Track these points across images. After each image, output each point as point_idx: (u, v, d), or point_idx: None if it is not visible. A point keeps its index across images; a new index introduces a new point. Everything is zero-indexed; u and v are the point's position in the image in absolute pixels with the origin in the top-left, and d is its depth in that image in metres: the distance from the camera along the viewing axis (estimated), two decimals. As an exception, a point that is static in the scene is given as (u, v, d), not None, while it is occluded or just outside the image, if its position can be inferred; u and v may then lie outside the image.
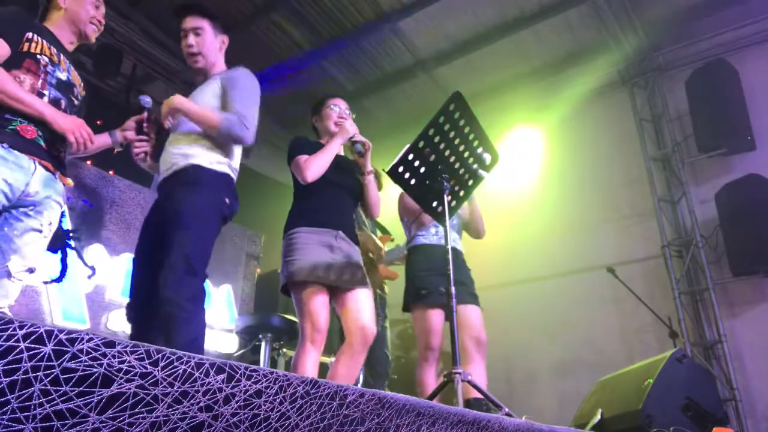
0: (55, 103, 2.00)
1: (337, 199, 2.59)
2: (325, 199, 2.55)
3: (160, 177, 2.24)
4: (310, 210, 2.52)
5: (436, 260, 2.85)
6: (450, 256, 2.29)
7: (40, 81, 1.96)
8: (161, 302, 1.88)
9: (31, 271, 1.94)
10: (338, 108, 2.74)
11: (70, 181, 2.12)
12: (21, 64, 1.92)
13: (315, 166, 2.46)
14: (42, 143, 1.95)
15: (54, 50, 2.03)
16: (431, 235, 3.06)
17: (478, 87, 5.82)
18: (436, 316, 2.85)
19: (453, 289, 2.20)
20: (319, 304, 2.35)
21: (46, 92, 1.97)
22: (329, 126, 2.70)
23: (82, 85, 2.18)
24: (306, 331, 2.34)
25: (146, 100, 2.30)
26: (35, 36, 1.97)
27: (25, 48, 1.94)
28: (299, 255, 2.37)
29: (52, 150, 1.99)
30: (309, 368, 2.29)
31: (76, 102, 2.12)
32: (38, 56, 1.95)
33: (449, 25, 5.39)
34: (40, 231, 1.96)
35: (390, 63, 5.89)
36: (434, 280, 2.84)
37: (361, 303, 2.42)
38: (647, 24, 5.34)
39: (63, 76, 2.05)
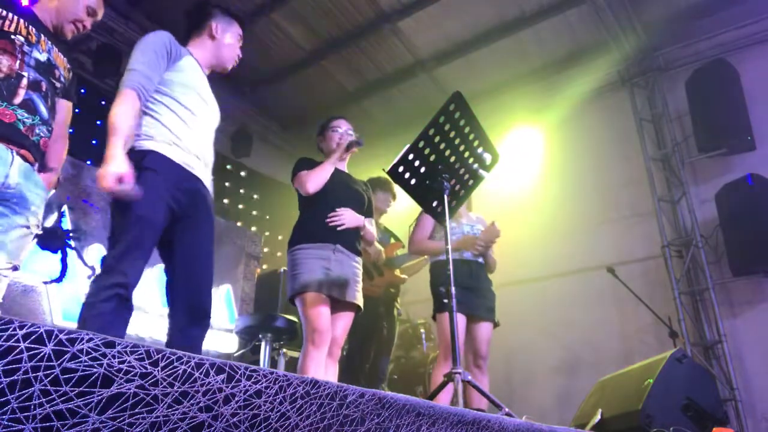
0: (35, 85, 1.83)
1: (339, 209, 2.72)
2: (327, 210, 2.68)
3: (191, 158, 2.02)
4: (311, 223, 2.69)
5: (456, 272, 2.99)
6: (450, 256, 2.37)
7: (18, 62, 1.79)
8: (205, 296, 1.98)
9: (15, 268, 1.81)
10: (340, 129, 2.90)
11: (53, 183, 1.99)
12: None
13: (315, 178, 2.67)
14: (22, 128, 1.77)
15: (33, 29, 1.87)
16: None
17: (478, 87, 5.82)
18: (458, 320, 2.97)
19: (453, 289, 2.32)
20: (316, 308, 2.48)
21: (25, 74, 1.81)
22: (332, 146, 2.86)
23: (68, 67, 2.03)
24: (307, 334, 2.48)
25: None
26: (9, 13, 1.81)
27: None
28: (300, 269, 2.56)
29: (31, 135, 1.81)
30: (312, 369, 2.38)
31: (58, 85, 1.96)
32: (12, 36, 1.79)
33: (449, 25, 5.39)
34: (27, 227, 1.83)
35: (390, 63, 5.88)
36: (455, 290, 2.97)
37: (339, 320, 2.63)
38: (647, 24, 5.34)
39: (42, 57, 1.88)
